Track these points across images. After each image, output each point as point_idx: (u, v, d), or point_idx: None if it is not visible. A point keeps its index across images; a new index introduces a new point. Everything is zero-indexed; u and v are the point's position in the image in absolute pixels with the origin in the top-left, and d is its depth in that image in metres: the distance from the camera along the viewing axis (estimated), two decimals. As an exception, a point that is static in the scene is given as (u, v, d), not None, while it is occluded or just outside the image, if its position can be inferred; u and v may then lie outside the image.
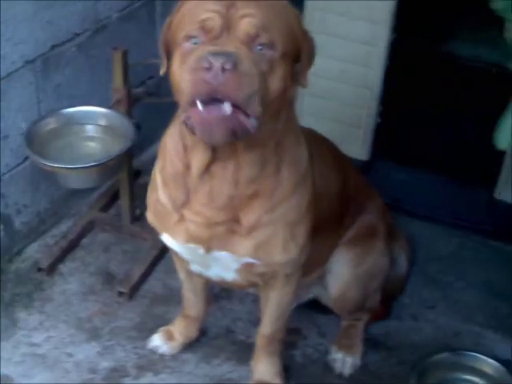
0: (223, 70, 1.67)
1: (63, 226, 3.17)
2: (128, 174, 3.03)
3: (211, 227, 2.05)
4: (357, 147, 3.52)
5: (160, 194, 2.15)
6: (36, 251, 3.05)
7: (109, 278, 2.96)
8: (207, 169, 1.97)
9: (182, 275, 2.53)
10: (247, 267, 2.14)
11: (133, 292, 2.89)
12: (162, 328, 2.70)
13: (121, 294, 2.87)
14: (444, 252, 3.18)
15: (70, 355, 2.66)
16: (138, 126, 2.88)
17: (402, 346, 2.77)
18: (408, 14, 3.37)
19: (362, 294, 2.60)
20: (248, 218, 2.03)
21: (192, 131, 1.80)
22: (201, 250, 2.11)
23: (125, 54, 2.83)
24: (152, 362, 2.65)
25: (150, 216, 2.24)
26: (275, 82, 1.79)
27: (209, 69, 1.67)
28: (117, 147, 2.78)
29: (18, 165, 2.92)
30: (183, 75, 1.75)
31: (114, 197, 3.24)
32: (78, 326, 2.76)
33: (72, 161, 2.74)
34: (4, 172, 2.87)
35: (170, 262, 2.83)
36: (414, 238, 3.13)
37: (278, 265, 2.16)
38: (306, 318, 2.81)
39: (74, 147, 2.86)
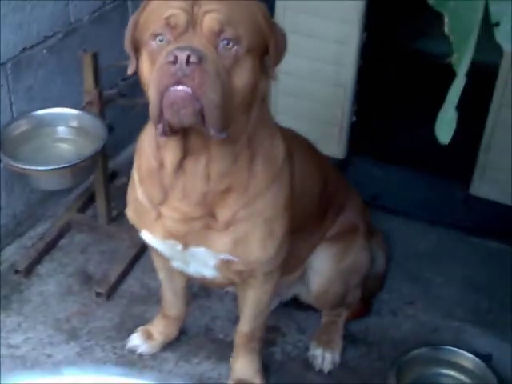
0: (188, 62, 1.68)
1: (40, 228, 3.16)
2: (103, 175, 3.01)
3: (188, 223, 2.05)
4: (333, 146, 3.53)
5: (138, 192, 2.15)
6: (13, 253, 3.03)
7: (86, 279, 2.95)
8: (180, 164, 1.97)
9: (161, 275, 2.52)
10: (225, 264, 2.14)
11: (111, 292, 2.88)
12: (140, 327, 2.69)
13: (99, 294, 2.85)
14: (422, 248, 3.19)
15: (49, 356, 2.64)
16: (110, 127, 2.87)
17: (382, 341, 2.77)
18: (378, 13, 3.39)
19: (343, 289, 2.61)
20: (223, 213, 2.03)
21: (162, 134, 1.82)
22: (179, 246, 2.11)
23: (95, 57, 2.81)
24: (131, 362, 2.63)
25: (130, 214, 2.24)
26: (242, 77, 1.79)
27: (174, 62, 1.69)
28: (89, 148, 2.77)
29: (-9, 167, 2.90)
30: (151, 73, 1.77)
31: (90, 198, 3.22)
32: (57, 326, 2.75)
33: (44, 163, 2.72)
34: (-22, 174, 2.85)
35: (147, 262, 2.84)
36: (392, 235, 3.14)
37: (256, 263, 2.16)
38: (285, 314, 2.81)
39: (45, 149, 2.85)
